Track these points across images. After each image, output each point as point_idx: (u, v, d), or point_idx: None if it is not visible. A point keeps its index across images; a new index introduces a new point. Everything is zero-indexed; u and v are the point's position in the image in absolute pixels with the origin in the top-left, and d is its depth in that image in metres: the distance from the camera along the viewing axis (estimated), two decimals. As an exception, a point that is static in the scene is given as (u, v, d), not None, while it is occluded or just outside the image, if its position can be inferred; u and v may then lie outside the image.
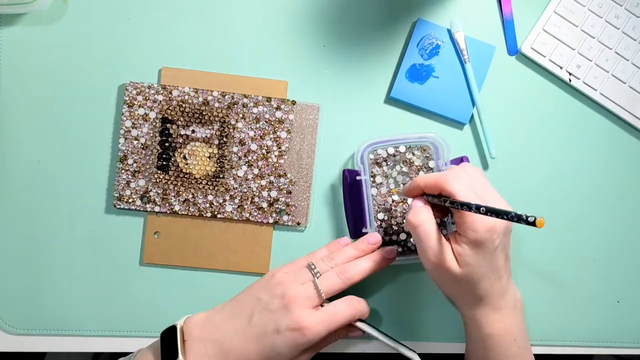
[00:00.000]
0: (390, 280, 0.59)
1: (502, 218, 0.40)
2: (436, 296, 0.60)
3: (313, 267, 0.51)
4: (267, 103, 0.57)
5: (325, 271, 0.51)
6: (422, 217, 0.47)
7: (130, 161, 0.56)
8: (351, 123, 0.59)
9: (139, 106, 0.56)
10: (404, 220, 0.57)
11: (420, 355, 0.53)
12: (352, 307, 0.50)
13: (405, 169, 0.58)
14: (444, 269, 0.47)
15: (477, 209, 0.42)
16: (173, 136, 0.56)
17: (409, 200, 0.57)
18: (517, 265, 0.60)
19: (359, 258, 0.53)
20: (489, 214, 0.42)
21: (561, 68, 0.59)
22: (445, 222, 0.56)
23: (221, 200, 0.57)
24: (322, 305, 0.50)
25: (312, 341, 0.48)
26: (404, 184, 0.57)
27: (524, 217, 0.38)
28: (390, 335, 0.54)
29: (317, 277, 0.50)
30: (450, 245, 0.47)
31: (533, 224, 0.37)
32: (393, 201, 0.57)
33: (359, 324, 0.52)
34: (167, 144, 0.56)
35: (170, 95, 0.56)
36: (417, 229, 0.47)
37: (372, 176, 0.57)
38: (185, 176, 0.56)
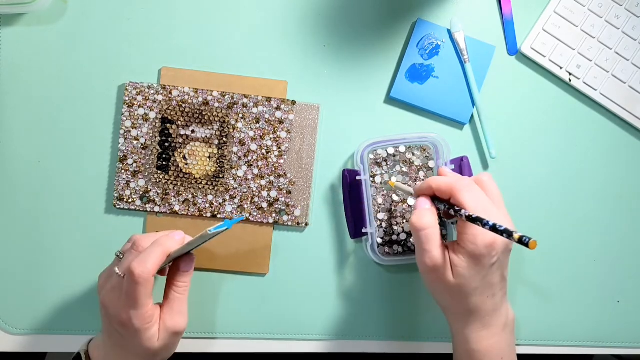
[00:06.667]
0: (390, 280, 0.59)
1: (502, 235, 0.42)
2: (436, 296, 0.60)
3: (118, 253, 0.50)
4: (267, 103, 0.57)
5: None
6: (427, 220, 0.47)
7: (130, 161, 0.56)
8: (351, 123, 0.59)
9: (139, 106, 0.56)
10: (406, 221, 0.57)
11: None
12: (133, 278, 0.45)
13: (405, 169, 0.58)
14: (438, 276, 0.47)
15: (485, 224, 0.43)
16: (173, 136, 0.56)
17: (409, 200, 0.57)
18: (517, 265, 0.60)
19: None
20: (493, 230, 0.42)
21: (561, 68, 0.59)
22: (446, 222, 0.55)
23: (221, 200, 0.57)
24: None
25: (144, 323, 0.46)
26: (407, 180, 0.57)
27: (524, 238, 0.40)
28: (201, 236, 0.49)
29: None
30: (448, 254, 0.47)
31: (527, 244, 0.39)
32: (393, 201, 0.57)
33: (173, 256, 0.48)
34: (167, 144, 0.56)
35: (170, 96, 0.56)
36: (420, 232, 0.47)
37: (372, 176, 0.57)
38: (185, 176, 0.56)
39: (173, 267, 0.51)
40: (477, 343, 0.48)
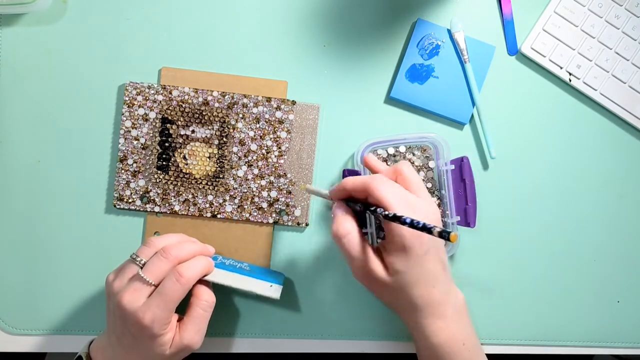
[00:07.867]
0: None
1: (423, 232, 0.40)
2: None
3: (135, 256, 0.49)
4: (267, 103, 0.57)
5: (150, 256, 0.49)
6: (346, 226, 0.46)
7: (130, 161, 0.56)
8: (351, 123, 0.59)
9: (139, 106, 0.56)
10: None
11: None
12: (181, 280, 0.47)
13: (405, 169, 0.57)
14: (372, 278, 0.47)
15: (403, 222, 0.42)
16: (173, 136, 0.56)
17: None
18: (517, 265, 0.60)
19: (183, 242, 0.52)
20: (411, 227, 0.41)
21: (561, 68, 0.59)
22: (370, 233, 0.53)
23: (221, 200, 0.57)
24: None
25: (163, 327, 0.47)
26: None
27: (444, 233, 0.38)
28: (250, 270, 0.54)
29: (142, 266, 0.48)
30: (378, 255, 0.47)
31: (447, 238, 0.38)
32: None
33: (210, 279, 0.51)
34: (167, 144, 0.56)
35: (170, 96, 0.56)
36: (341, 240, 0.46)
37: (372, 176, 0.57)
38: (185, 176, 0.56)
39: (203, 283, 0.51)
40: (436, 336, 0.48)
